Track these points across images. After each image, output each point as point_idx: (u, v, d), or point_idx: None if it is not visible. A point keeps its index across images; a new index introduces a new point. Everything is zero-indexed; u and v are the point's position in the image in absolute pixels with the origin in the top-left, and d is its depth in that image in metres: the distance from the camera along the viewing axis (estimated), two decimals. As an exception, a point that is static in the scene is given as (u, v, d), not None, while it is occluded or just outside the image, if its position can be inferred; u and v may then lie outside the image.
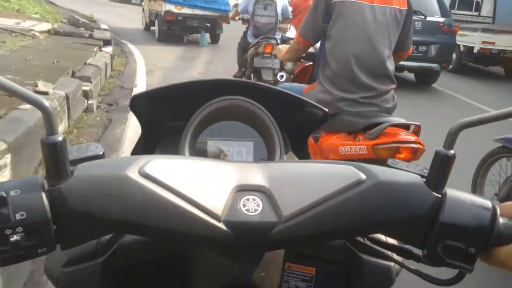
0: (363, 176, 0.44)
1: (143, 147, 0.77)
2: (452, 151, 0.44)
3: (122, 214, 0.40)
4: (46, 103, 0.38)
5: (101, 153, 0.48)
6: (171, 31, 10.43)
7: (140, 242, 0.55)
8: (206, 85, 0.72)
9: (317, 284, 0.61)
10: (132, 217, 0.40)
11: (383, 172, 0.45)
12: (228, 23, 10.02)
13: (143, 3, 12.86)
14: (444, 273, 0.47)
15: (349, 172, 0.45)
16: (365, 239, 0.57)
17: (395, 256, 0.56)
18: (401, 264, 0.55)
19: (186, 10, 10.24)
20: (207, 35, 10.93)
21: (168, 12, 10.10)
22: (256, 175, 0.46)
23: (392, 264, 0.57)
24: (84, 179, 0.41)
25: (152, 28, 11.51)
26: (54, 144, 0.39)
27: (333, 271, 0.61)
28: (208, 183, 0.44)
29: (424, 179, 0.45)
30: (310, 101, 0.74)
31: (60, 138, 0.39)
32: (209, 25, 10.71)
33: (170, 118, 0.77)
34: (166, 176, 0.42)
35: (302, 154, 0.81)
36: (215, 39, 11.10)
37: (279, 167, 0.49)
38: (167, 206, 0.41)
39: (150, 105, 0.73)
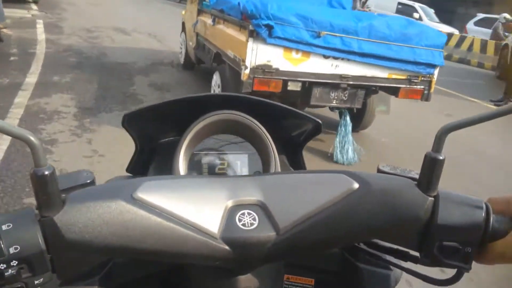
0: (356, 185, 0.45)
1: (138, 163, 0.76)
2: (441, 154, 0.44)
3: (117, 240, 0.40)
4: (32, 136, 0.38)
5: (91, 180, 0.48)
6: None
7: (134, 260, 0.55)
8: (198, 100, 0.70)
9: None
10: (127, 243, 0.40)
11: (375, 179, 0.46)
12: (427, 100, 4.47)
13: (182, 15, 7.17)
14: (440, 272, 0.49)
15: (342, 181, 0.46)
16: (362, 244, 0.58)
17: (393, 259, 0.56)
18: (399, 267, 0.56)
19: (328, 68, 3.95)
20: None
21: (261, 72, 3.80)
22: (250, 188, 0.46)
23: (390, 272, 0.58)
24: (77, 207, 0.40)
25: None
26: (43, 176, 0.39)
27: (332, 281, 0.62)
28: (201, 201, 0.44)
29: (416, 183, 0.46)
30: (303, 112, 0.73)
31: (50, 170, 0.39)
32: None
33: (164, 134, 0.77)
34: (159, 198, 0.42)
35: (298, 166, 0.81)
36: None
37: (273, 179, 0.49)
38: (162, 229, 0.41)
39: (143, 121, 0.72)
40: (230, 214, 0.44)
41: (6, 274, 0.37)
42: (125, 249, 0.40)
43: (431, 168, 0.44)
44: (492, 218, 0.44)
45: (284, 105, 0.71)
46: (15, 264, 0.37)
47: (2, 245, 0.37)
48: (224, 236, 0.42)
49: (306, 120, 0.73)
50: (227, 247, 0.42)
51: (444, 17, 17.73)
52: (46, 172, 0.39)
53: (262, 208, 0.44)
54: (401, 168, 0.52)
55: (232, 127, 0.65)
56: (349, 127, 4.39)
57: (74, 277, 0.48)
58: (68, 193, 0.42)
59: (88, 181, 0.48)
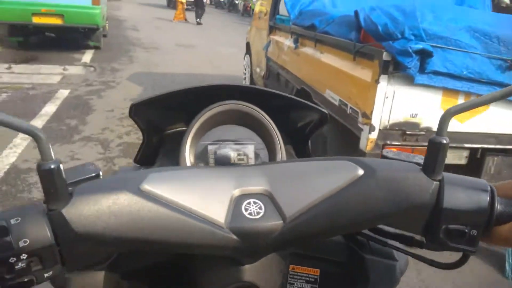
0: (361, 171, 0.44)
1: (146, 153, 0.78)
2: (445, 138, 0.43)
3: (125, 232, 0.40)
4: (39, 131, 0.38)
5: (97, 173, 0.47)
6: None
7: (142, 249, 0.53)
8: (205, 90, 0.69)
9: (322, 285, 0.60)
10: (136, 235, 0.40)
11: (380, 165, 0.45)
12: None
13: (248, 34, 5.68)
14: (441, 256, 0.49)
15: (347, 168, 0.45)
16: (367, 230, 0.57)
17: (398, 245, 0.56)
18: (405, 251, 0.55)
19: None
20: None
21: (399, 135, 2.04)
22: (256, 178, 0.46)
23: (396, 263, 0.57)
24: (84, 200, 0.40)
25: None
26: (50, 170, 0.38)
27: (337, 272, 0.60)
28: (207, 191, 0.44)
29: (421, 167, 0.45)
30: (309, 103, 0.72)
31: (56, 163, 0.39)
32: None
33: (171, 124, 0.78)
34: (166, 189, 0.42)
35: (305, 157, 0.80)
36: None
37: (278, 167, 0.48)
38: (170, 220, 0.40)
39: (150, 112, 0.72)
40: (237, 204, 0.43)
41: (16, 267, 0.37)
42: (134, 240, 0.40)
43: (436, 152, 0.43)
44: (497, 201, 0.43)
45: (291, 96, 0.71)
46: (25, 258, 0.37)
47: (11, 239, 0.37)
48: (231, 226, 0.42)
49: (312, 110, 0.73)
50: (234, 237, 0.42)
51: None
52: (53, 166, 0.38)
53: (268, 197, 0.44)
54: (406, 154, 0.50)
55: (238, 118, 0.65)
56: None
57: (82, 267, 0.47)
58: (75, 186, 0.41)
59: (94, 174, 0.46)
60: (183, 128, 0.71)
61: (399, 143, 2.17)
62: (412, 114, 2.15)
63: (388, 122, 2.14)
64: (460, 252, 0.45)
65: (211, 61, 8.36)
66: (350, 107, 2.36)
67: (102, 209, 0.39)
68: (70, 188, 0.40)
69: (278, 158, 0.62)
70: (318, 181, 0.44)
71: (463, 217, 0.43)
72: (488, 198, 0.43)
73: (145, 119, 0.72)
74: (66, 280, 0.47)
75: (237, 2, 24.26)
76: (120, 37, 10.59)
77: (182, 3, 16.10)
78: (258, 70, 5.03)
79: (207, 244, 0.41)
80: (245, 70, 5.97)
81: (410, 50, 1.92)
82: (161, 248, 0.43)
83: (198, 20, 15.73)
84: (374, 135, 2.14)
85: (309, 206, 0.43)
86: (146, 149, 0.77)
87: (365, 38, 2.30)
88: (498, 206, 0.43)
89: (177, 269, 0.56)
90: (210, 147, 0.70)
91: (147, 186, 0.41)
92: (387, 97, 2.10)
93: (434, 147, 0.43)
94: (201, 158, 0.70)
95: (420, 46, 1.94)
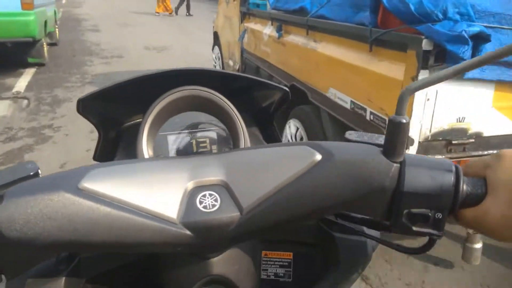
0: (319, 156, 0.43)
1: (104, 150, 0.73)
2: (405, 117, 0.41)
3: (63, 235, 0.37)
4: None
5: (35, 171, 0.44)
6: None
7: (103, 252, 0.51)
8: (159, 77, 0.64)
9: (295, 268, 0.60)
10: (75, 237, 0.37)
11: (338, 149, 0.44)
12: None
13: (214, 23, 4.96)
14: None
15: (305, 153, 0.44)
16: (334, 216, 0.55)
17: (365, 229, 0.54)
18: (372, 237, 0.54)
19: None
20: None
21: (443, 146, 1.66)
22: (211, 168, 0.44)
23: (366, 239, 0.55)
24: (16, 203, 0.37)
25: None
26: None
27: (310, 253, 0.59)
28: (158, 185, 0.42)
29: (381, 149, 0.43)
30: (269, 82, 0.69)
31: None
32: None
33: (128, 117, 0.74)
34: (109, 186, 0.40)
35: (272, 138, 0.78)
36: None
37: (235, 156, 0.46)
38: (112, 219, 0.38)
39: (103, 105, 0.67)
40: (191, 197, 0.42)
41: None
42: (73, 243, 0.38)
43: (395, 132, 0.41)
44: (462, 181, 0.41)
45: (250, 76, 0.69)
46: None
47: None
48: (183, 221, 0.40)
49: (273, 89, 0.70)
50: (188, 232, 0.40)
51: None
52: None
53: (224, 188, 0.42)
54: (369, 135, 0.47)
55: (197, 104, 0.62)
56: None
57: (39, 276, 0.45)
58: (7, 188, 0.39)
59: (32, 173, 0.44)
60: (141, 120, 0.63)
61: (443, 157, 1.66)
62: (459, 118, 1.64)
63: (430, 131, 1.62)
64: (425, 236, 0.43)
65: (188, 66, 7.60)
66: (372, 113, 1.82)
67: (36, 212, 0.37)
68: (1, 191, 0.38)
69: (242, 143, 0.61)
70: (276, 168, 0.43)
71: (426, 201, 0.41)
72: (453, 179, 0.41)
73: (97, 113, 0.68)
74: None
75: None
76: (76, 43, 8.52)
77: None
78: (231, 63, 4.41)
79: (158, 242, 0.39)
80: (215, 63, 5.32)
81: (466, 35, 1.39)
82: (107, 249, 0.39)
83: (187, 13, 13.76)
84: (412, 150, 1.62)
85: (266, 196, 0.41)
86: (104, 145, 0.73)
87: (385, 21, 1.76)
88: (464, 187, 0.41)
89: (143, 270, 0.53)
90: (169, 137, 0.69)
91: (86, 184, 0.39)
92: (428, 100, 1.57)
93: (393, 127, 0.41)
94: (161, 149, 0.68)
95: (476, 28, 1.41)
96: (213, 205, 0.41)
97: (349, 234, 0.54)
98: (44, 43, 6.23)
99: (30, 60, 5.92)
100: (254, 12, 3.57)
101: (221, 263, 0.47)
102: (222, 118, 0.62)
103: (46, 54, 6.31)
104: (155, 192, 0.40)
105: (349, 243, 0.54)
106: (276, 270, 0.59)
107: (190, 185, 0.42)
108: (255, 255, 0.55)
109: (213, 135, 0.69)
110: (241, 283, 0.49)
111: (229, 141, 0.66)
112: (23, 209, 0.36)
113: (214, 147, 0.68)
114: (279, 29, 2.93)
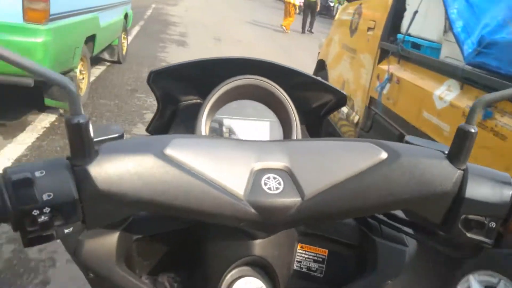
0: (385, 154, 0.44)
1: (159, 123, 0.78)
2: (473, 127, 0.43)
3: (148, 195, 0.40)
4: (71, 84, 0.37)
5: (121, 133, 0.47)
6: None
7: (154, 216, 0.54)
8: (224, 63, 0.69)
9: (329, 265, 0.60)
10: (158, 198, 0.40)
11: (404, 149, 0.44)
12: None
13: (321, 49, 3.89)
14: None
15: (370, 150, 0.45)
16: (382, 215, 0.57)
17: (410, 231, 0.55)
18: (416, 238, 0.54)
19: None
20: None
21: None
22: (276, 153, 0.46)
23: (406, 248, 0.56)
24: (110, 159, 0.39)
25: None
26: (79, 124, 0.38)
27: (345, 253, 0.60)
28: (229, 162, 0.44)
29: (446, 155, 0.44)
30: (329, 83, 0.71)
31: (84, 118, 0.38)
32: None
33: (186, 96, 0.79)
34: (189, 156, 0.42)
35: (317, 137, 0.82)
36: None
37: (299, 144, 0.48)
38: (192, 187, 0.41)
39: (167, 81, 0.73)
40: (256, 177, 0.43)
41: (39, 220, 0.37)
42: (156, 203, 0.40)
43: (463, 140, 0.43)
44: None
45: (310, 74, 0.71)
46: (47, 211, 0.37)
47: (35, 191, 0.37)
48: (249, 199, 0.42)
49: (330, 91, 0.72)
50: (252, 210, 0.42)
51: None
52: (82, 121, 0.38)
53: (287, 174, 0.44)
54: (430, 141, 0.49)
55: (255, 93, 0.65)
56: None
57: (101, 227, 0.47)
58: (101, 144, 0.41)
59: (118, 134, 0.47)
60: (198, 101, 0.71)
61: None
62: None
63: None
64: (475, 243, 0.44)
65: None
66: None
67: (127, 169, 0.39)
68: (96, 146, 0.40)
69: (294, 136, 0.64)
70: (340, 161, 0.44)
71: (484, 209, 0.43)
72: (511, 192, 0.43)
73: (161, 88, 0.72)
74: (78, 242, 0.46)
75: (332, 4, 20.32)
76: (146, 63, 5.96)
77: (293, 5, 12.00)
78: (345, 110, 3.32)
79: (225, 214, 0.41)
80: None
81: None
82: (182, 214, 0.42)
83: (309, 28, 12.85)
84: None
85: (329, 186, 0.42)
86: (159, 119, 0.77)
87: None
88: None
89: (189, 239, 0.55)
90: (225, 121, 0.72)
91: (170, 151, 0.41)
92: None
93: (462, 136, 0.43)
94: (216, 131, 0.72)
95: None
96: (277, 188, 0.42)
97: (390, 240, 0.54)
98: (83, 76, 3.86)
99: (47, 102, 3.44)
100: (413, 57, 2.46)
101: (264, 246, 0.50)
102: (277, 110, 0.68)
103: (84, 90, 3.95)
104: (226, 168, 0.42)
105: (390, 249, 0.54)
106: (310, 264, 0.59)
107: (256, 166, 0.44)
108: (292, 245, 0.57)
109: (266, 125, 0.71)
110: (278, 268, 0.51)
111: (281, 134, 0.69)
112: (116, 164, 0.39)
113: (266, 137, 0.71)
114: (486, 107, 1.80)
